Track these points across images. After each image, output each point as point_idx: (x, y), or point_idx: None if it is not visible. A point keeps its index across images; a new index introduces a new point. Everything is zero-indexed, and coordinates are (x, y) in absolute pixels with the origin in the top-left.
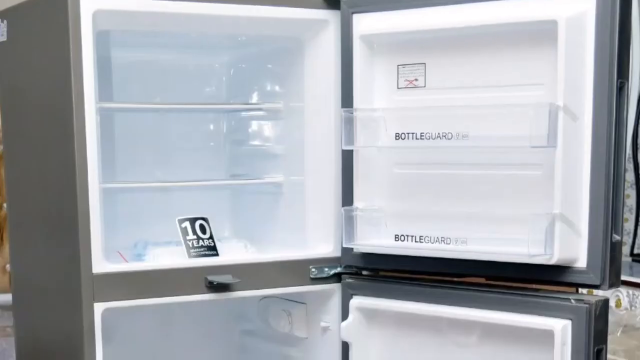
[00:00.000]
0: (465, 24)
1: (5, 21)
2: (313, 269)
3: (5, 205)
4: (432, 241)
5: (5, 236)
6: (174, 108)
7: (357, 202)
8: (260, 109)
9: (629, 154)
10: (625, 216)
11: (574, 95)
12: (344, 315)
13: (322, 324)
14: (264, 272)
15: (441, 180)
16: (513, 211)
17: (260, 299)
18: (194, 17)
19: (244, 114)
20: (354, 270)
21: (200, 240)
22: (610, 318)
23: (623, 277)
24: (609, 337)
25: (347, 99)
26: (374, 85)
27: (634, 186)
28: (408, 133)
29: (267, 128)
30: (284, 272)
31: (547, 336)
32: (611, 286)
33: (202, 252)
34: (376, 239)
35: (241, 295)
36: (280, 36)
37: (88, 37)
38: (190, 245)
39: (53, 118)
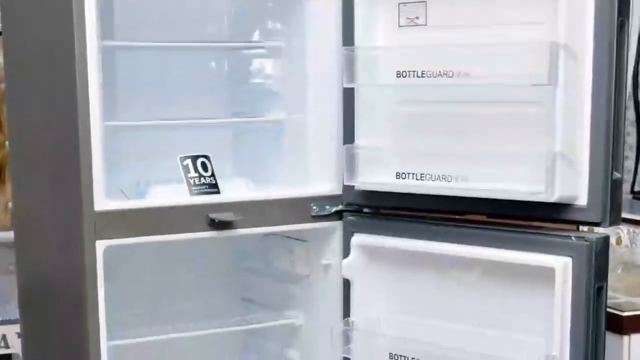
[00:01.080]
0: None
1: None
2: (314, 207)
3: (7, 143)
4: (433, 179)
5: (7, 174)
6: (176, 46)
7: (359, 140)
8: (261, 47)
9: (629, 92)
10: (625, 154)
11: (575, 34)
12: (345, 252)
13: (324, 261)
14: (266, 209)
15: (442, 118)
16: (514, 149)
17: (262, 237)
18: None
19: (245, 52)
20: (355, 208)
21: (202, 178)
22: (611, 255)
23: (623, 215)
24: (610, 275)
25: (348, 37)
26: (375, 23)
27: (635, 124)
28: (409, 71)
29: (269, 66)
30: (285, 210)
31: (547, 274)
32: (612, 224)
33: (203, 190)
34: (377, 177)
35: (242, 233)
36: None
37: None
38: (192, 183)
39: (56, 57)
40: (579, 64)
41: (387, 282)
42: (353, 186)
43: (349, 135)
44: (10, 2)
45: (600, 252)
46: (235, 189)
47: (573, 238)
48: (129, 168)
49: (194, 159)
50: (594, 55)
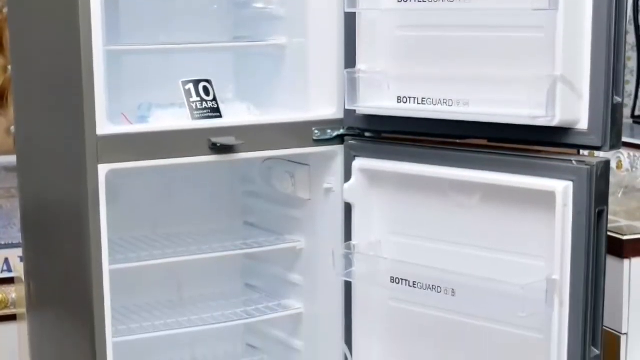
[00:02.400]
0: None
1: None
2: (316, 131)
3: (9, 67)
4: (434, 103)
5: (9, 98)
6: None
7: (360, 65)
8: None
9: (629, 16)
10: (626, 78)
11: None
12: (347, 176)
13: (325, 185)
14: (267, 134)
15: (443, 42)
16: (515, 73)
17: (263, 161)
18: None
19: None
20: (357, 132)
21: (204, 102)
22: (612, 179)
23: (624, 139)
24: (610, 199)
25: None
26: None
27: (635, 48)
28: None
29: None
30: (286, 134)
31: (548, 198)
32: (612, 148)
33: (205, 114)
34: (378, 101)
35: (244, 157)
36: None
37: None
38: (194, 107)
39: None
40: None
41: (389, 205)
42: (354, 110)
43: (350, 60)
44: None
45: (601, 176)
46: (237, 114)
47: (574, 162)
48: (131, 93)
49: (196, 83)
50: None
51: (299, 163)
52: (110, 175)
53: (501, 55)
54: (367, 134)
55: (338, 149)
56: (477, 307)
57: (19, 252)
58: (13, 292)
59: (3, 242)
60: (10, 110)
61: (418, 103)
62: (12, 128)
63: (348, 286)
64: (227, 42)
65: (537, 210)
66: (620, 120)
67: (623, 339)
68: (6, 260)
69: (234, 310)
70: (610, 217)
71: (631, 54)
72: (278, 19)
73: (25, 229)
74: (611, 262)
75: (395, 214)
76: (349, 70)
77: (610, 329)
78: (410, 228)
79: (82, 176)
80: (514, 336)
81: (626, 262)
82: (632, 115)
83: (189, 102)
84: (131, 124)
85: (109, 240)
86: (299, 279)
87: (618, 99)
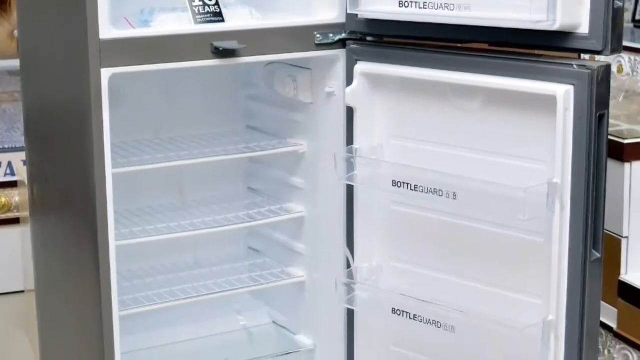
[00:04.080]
0: None
1: None
2: (318, 35)
3: None
4: (436, 7)
5: (13, 2)
6: None
7: None
8: None
9: None
10: None
11: None
12: (349, 81)
13: (327, 89)
14: (270, 38)
15: None
16: None
17: (266, 65)
18: None
19: None
20: (359, 36)
21: (206, 7)
22: (612, 84)
23: (625, 44)
24: (611, 103)
25: None
26: None
27: None
28: None
29: None
30: (289, 38)
31: (550, 102)
32: (613, 52)
33: (208, 19)
34: (380, 5)
35: (246, 61)
36: None
37: None
38: (196, 12)
39: None
40: None
41: (390, 109)
42: (356, 14)
43: None
44: None
45: (602, 80)
46: (239, 18)
47: (575, 66)
48: None
49: None
50: None
51: (301, 67)
52: (113, 79)
53: None
54: (369, 38)
55: (340, 53)
56: (478, 210)
57: (22, 155)
58: (16, 196)
59: (6, 146)
60: (14, 15)
61: (419, 7)
62: (16, 32)
63: (350, 190)
64: None
65: (539, 115)
66: (621, 24)
67: (624, 242)
68: (9, 164)
69: (237, 213)
70: (611, 121)
71: None
72: None
73: (29, 132)
74: (612, 165)
75: (397, 118)
76: None
77: (611, 232)
78: (412, 132)
79: (85, 80)
80: (515, 239)
81: (627, 165)
82: (633, 20)
83: (191, 6)
84: (134, 28)
85: (112, 144)
86: (301, 182)
87: (619, 3)
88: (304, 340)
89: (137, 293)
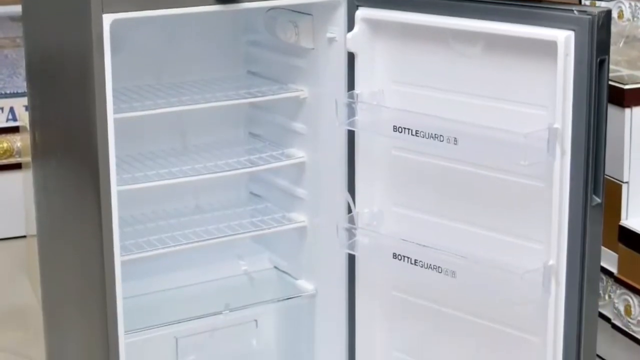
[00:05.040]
0: None
1: None
2: None
3: None
4: None
5: None
6: None
7: None
8: None
9: None
10: None
11: None
12: (350, 26)
13: (328, 35)
14: None
15: None
16: None
17: (267, 11)
18: None
19: None
20: None
21: None
22: (613, 29)
23: None
24: (612, 48)
25: None
26: None
27: None
28: None
29: None
30: None
31: (550, 47)
32: None
33: None
34: None
35: (248, 6)
36: None
37: None
38: None
39: None
40: None
41: (391, 55)
42: None
43: None
44: None
45: (602, 26)
46: None
47: (575, 12)
48: None
49: None
50: None
51: (303, 13)
52: (115, 25)
53: None
54: None
55: None
56: (479, 156)
57: (24, 101)
58: (18, 141)
59: (8, 91)
60: None
61: None
62: None
63: (351, 135)
64: None
65: (539, 60)
66: None
67: (624, 187)
68: (11, 109)
69: (238, 158)
70: (611, 66)
71: None
72: None
73: (30, 78)
74: (612, 111)
75: (398, 63)
76: None
77: (612, 177)
78: (413, 77)
79: (86, 26)
80: (516, 185)
81: (627, 111)
82: None
83: None
84: None
85: (114, 90)
86: (302, 127)
87: None
88: (305, 285)
89: (139, 238)
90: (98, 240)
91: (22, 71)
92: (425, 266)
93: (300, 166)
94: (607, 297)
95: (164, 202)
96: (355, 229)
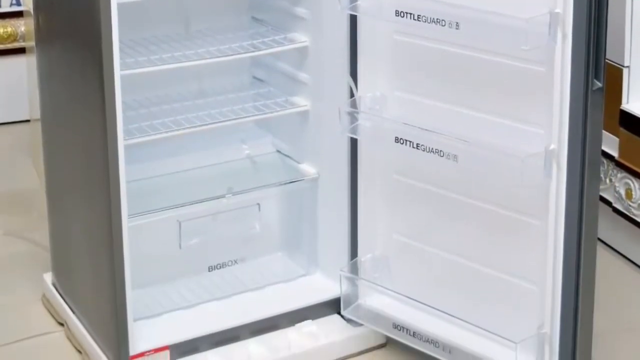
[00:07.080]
0: None
1: None
2: None
3: None
4: None
5: None
6: None
7: None
8: None
9: None
10: None
11: None
12: None
13: None
14: None
15: None
16: None
17: None
18: None
19: None
20: None
21: None
22: None
23: None
24: None
25: None
26: None
27: None
28: None
29: None
30: None
31: None
32: None
33: None
34: None
35: None
36: None
37: None
38: None
39: None
40: None
41: None
42: None
43: None
44: None
45: None
46: None
47: None
48: None
49: None
50: None
51: None
52: None
53: None
54: None
55: None
56: (481, 40)
57: None
58: (22, 26)
59: None
60: None
61: None
62: None
63: (353, 19)
64: None
65: None
66: None
67: (625, 71)
68: None
69: (241, 43)
70: None
71: None
72: None
73: None
74: None
75: None
76: None
77: (613, 61)
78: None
79: None
80: (518, 69)
81: None
82: None
83: None
84: None
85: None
86: (305, 12)
87: None
88: (308, 168)
89: (143, 122)
90: (101, 124)
91: None
92: (427, 150)
93: (303, 51)
94: (608, 180)
95: (168, 86)
96: (357, 112)
